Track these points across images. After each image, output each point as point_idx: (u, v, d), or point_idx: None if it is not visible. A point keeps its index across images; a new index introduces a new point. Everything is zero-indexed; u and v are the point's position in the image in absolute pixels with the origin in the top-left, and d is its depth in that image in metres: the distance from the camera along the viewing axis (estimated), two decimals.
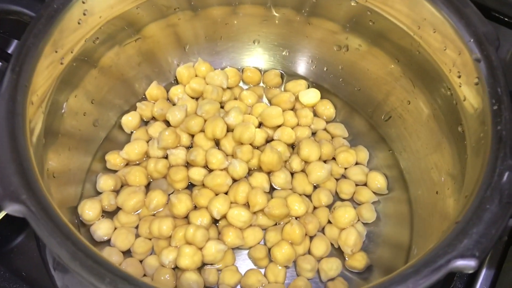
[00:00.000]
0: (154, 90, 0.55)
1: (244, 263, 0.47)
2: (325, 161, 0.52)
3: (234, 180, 0.49)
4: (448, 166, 0.43)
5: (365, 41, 0.51)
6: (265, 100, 0.58)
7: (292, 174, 0.51)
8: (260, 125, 0.54)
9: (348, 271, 0.47)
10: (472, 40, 0.39)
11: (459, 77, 0.41)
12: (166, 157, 0.51)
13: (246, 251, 0.47)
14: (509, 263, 0.47)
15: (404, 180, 0.51)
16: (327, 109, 0.56)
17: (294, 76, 0.58)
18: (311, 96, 0.55)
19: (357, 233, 0.47)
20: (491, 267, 0.47)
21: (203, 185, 0.48)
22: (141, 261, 0.46)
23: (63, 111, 0.45)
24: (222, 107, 0.55)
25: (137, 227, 0.48)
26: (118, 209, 0.48)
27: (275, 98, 0.55)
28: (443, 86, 0.43)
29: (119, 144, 0.52)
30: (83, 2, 0.42)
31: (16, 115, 0.35)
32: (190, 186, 0.50)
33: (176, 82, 0.57)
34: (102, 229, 0.46)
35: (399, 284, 0.29)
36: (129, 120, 0.53)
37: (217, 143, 0.52)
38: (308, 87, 0.57)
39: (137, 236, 0.47)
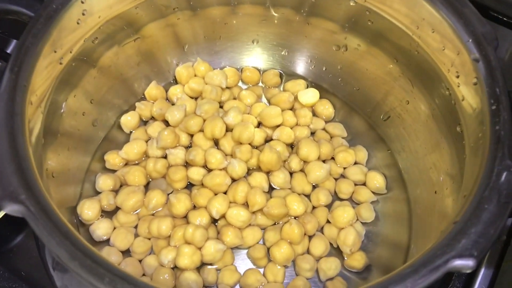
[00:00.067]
0: (153, 90, 0.55)
1: (243, 263, 0.47)
2: (324, 161, 0.52)
3: (233, 180, 0.49)
4: (446, 166, 0.43)
5: (364, 41, 0.51)
6: (264, 100, 0.58)
7: (291, 173, 0.51)
8: (259, 124, 0.54)
9: (347, 270, 0.47)
10: (470, 40, 0.39)
11: (458, 77, 0.41)
12: (165, 157, 0.51)
13: (245, 251, 0.47)
14: (507, 262, 0.47)
15: (402, 180, 0.51)
16: (326, 109, 0.56)
17: (293, 76, 0.59)
18: (310, 96, 0.55)
19: (356, 232, 0.47)
20: (489, 266, 0.47)
21: (202, 185, 0.49)
22: (140, 261, 0.46)
23: (62, 111, 0.45)
24: (221, 107, 0.55)
25: (136, 227, 0.48)
26: (117, 208, 0.48)
27: (274, 98, 0.55)
28: (441, 86, 0.43)
29: (118, 144, 0.52)
30: (82, 2, 0.42)
31: (15, 115, 0.35)
32: (189, 185, 0.50)
33: (175, 82, 0.57)
34: (101, 228, 0.46)
35: (397, 284, 0.29)
36: (128, 120, 0.53)
37: (216, 142, 0.52)
38: (307, 87, 0.57)
39: (136, 235, 0.47)
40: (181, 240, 0.45)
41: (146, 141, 0.52)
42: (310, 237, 0.48)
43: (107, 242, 0.47)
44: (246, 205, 0.47)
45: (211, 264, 0.45)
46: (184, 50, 0.57)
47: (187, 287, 0.43)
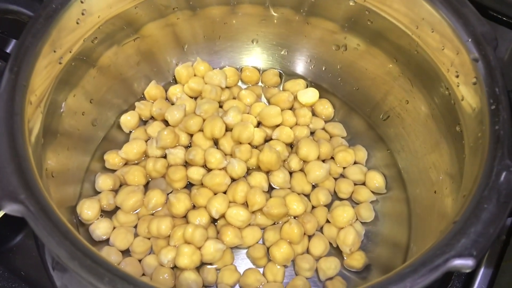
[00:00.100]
0: (152, 89, 0.55)
1: (242, 263, 0.47)
2: (323, 161, 0.52)
3: (233, 180, 0.49)
4: (446, 166, 0.43)
5: (364, 40, 0.51)
6: (263, 99, 0.58)
7: (290, 173, 0.51)
8: (259, 124, 0.54)
9: (346, 270, 0.47)
10: (470, 40, 0.39)
11: (457, 76, 0.41)
12: (165, 157, 0.51)
13: (245, 251, 0.47)
14: (507, 262, 0.47)
15: (402, 180, 0.51)
16: (326, 108, 0.56)
17: (293, 75, 0.58)
18: (310, 95, 0.55)
19: (356, 232, 0.47)
20: (489, 266, 0.47)
21: (202, 185, 0.49)
22: (140, 261, 0.46)
23: (61, 110, 0.45)
24: (220, 106, 0.55)
25: (136, 227, 0.48)
26: (117, 208, 0.48)
27: (273, 98, 0.55)
28: (441, 86, 0.43)
29: (118, 143, 0.52)
30: (82, 2, 0.42)
31: (15, 114, 0.35)
32: (189, 185, 0.50)
33: (175, 81, 0.57)
34: (101, 228, 0.46)
35: (397, 283, 0.29)
36: (128, 120, 0.53)
37: (215, 142, 0.52)
38: (307, 87, 0.57)
39: (136, 235, 0.47)
40: (180, 239, 0.45)
41: (146, 141, 0.52)
42: (310, 237, 0.48)
43: (106, 242, 0.47)
44: (245, 204, 0.47)
45: (210, 264, 0.45)
46: (183, 49, 0.57)
47: (187, 286, 0.43)
